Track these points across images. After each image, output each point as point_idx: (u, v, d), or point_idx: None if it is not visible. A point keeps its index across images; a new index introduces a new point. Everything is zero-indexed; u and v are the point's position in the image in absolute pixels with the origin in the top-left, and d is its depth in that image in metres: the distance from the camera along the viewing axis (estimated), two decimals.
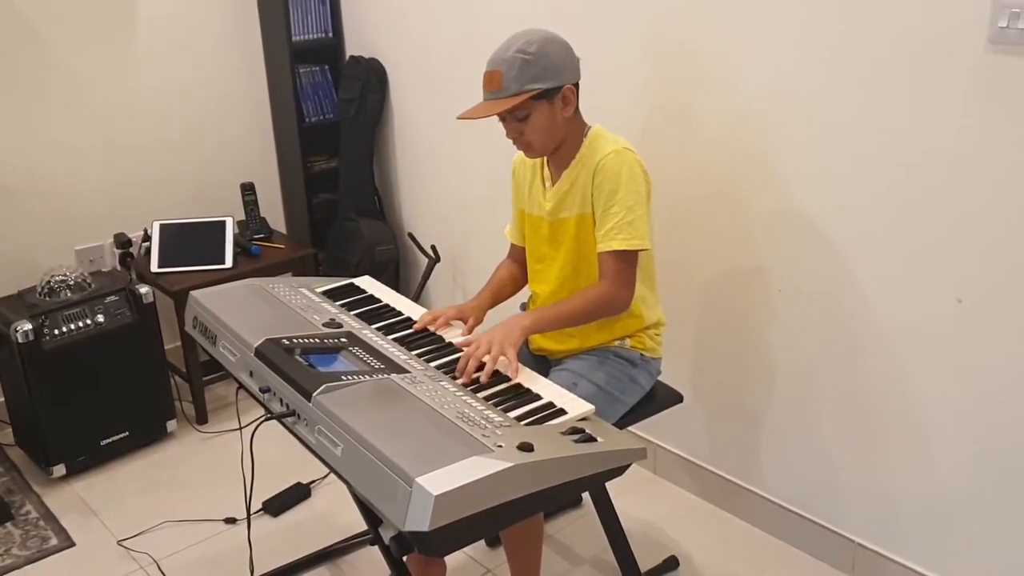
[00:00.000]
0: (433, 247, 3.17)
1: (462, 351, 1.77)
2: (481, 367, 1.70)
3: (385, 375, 1.65)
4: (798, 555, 2.37)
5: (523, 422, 1.56)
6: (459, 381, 1.68)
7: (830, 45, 1.99)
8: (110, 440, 2.82)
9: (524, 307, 2.18)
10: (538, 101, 1.82)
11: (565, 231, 1.96)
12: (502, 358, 1.72)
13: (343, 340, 1.80)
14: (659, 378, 2.09)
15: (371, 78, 3.22)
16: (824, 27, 1.99)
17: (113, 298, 2.78)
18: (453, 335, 1.89)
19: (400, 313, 1.98)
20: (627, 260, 1.87)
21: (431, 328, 1.91)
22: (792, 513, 2.38)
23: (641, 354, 2.01)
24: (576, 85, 1.88)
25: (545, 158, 1.98)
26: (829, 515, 2.30)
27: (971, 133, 1.82)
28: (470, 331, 1.93)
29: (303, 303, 1.98)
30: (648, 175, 1.91)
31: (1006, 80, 1.74)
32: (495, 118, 1.87)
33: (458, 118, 1.88)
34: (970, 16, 1.76)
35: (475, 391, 1.66)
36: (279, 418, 1.64)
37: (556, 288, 2.00)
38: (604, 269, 1.89)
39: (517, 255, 2.16)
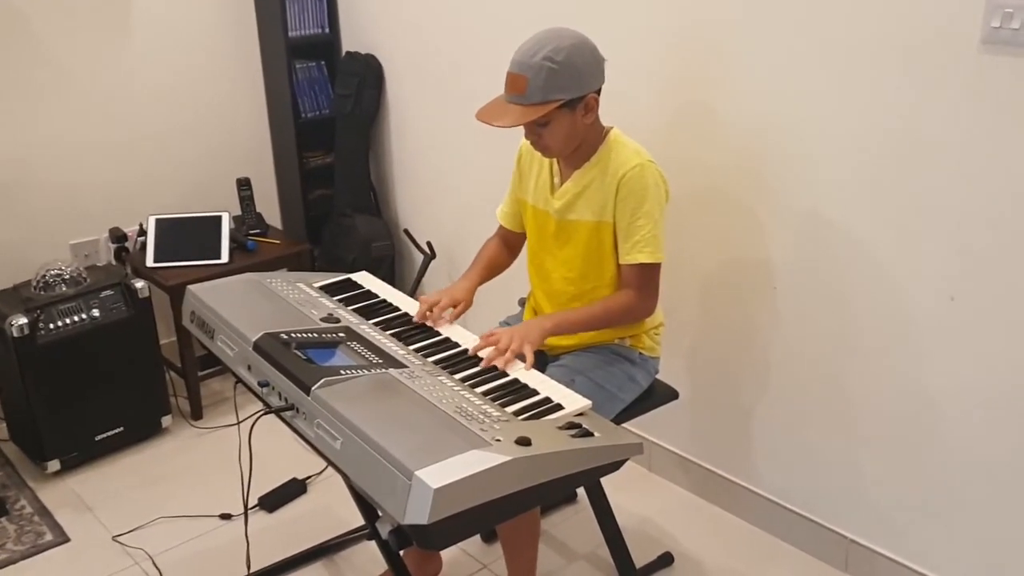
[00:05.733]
0: (429, 243, 3.17)
1: (458, 346, 1.78)
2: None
3: (383, 369, 1.66)
4: (792, 551, 2.38)
5: (520, 417, 1.57)
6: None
7: (824, 45, 2.00)
8: (105, 435, 2.81)
9: (523, 302, 2.19)
10: (560, 110, 1.80)
11: (575, 232, 1.95)
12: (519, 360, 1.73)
13: (341, 335, 1.80)
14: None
15: (367, 74, 3.22)
16: (818, 28, 2.00)
17: (108, 292, 2.78)
18: (450, 330, 1.89)
19: (397, 308, 1.99)
20: (653, 272, 1.91)
21: (428, 320, 1.92)
22: (786, 509, 2.39)
23: (640, 352, 2.02)
24: (599, 90, 1.86)
25: None
26: (823, 511, 2.32)
27: (964, 133, 1.83)
28: (458, 316, 1.96)
29: (301, 298, 1.98)
30: (667, 185, 1.93)
31: (999, 80, 1.76)
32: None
33: (477, 119, 1.84)
34: (963, 16, 1.77)
35: (473, 386, 1.66)
36: (278, 412, 1.64)
37: (560, 288, 2.01)
38: (630, 280, 1.91)
39: (506, 237, 2.16)
